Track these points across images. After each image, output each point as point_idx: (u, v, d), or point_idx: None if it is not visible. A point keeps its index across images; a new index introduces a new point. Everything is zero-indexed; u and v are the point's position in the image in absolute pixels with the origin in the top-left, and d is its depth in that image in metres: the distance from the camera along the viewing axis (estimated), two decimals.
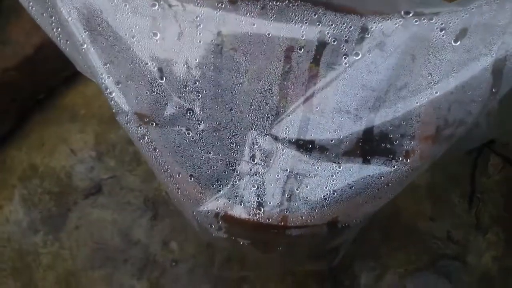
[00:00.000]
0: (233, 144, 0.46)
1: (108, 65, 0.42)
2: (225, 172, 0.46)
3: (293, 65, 0.43)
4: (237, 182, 0.46)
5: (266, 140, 0.45)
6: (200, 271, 0.77)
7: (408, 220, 0.82)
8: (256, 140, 0.45)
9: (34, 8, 0.42)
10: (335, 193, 0.46)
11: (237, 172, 0.46)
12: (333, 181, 0.46)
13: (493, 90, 0.41)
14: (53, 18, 0.42)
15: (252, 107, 0.45)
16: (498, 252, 0.79)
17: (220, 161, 0.46)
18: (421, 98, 0.43)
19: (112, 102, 0.43)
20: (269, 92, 0.44)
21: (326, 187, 0.46)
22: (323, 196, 0.46)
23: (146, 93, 0.44)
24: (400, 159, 0.47)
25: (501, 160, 0.88)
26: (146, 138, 0.45)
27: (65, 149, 0.92)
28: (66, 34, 0.43)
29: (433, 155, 0.48)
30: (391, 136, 0.46)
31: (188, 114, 0.45)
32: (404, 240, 0.80)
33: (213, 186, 0.46)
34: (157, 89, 0.44)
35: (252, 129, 0.45)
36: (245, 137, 0.45)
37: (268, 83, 0.44)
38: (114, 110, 0.43)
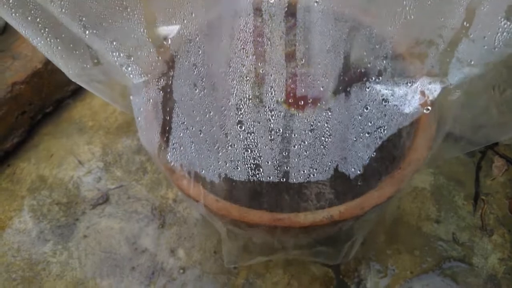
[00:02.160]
0: (223, 107, 0.46)
1: (115, 42, 0.42)
2: (221, 136, 0.46)
3: (265, 18, 0.42)
4: (229, 147, 0.45)
5: (249, 105, 0.45)
6: (207, 278, 0.78)
7: (413, 223, 0.82)
8: (239, 105, 0.44)
9: (17, 14, 0.40)
10: (330, 137, 0.45)
11: (228, 138, 0.45)
12: (327, 127, 0.45)
13: (465, 24, 0.41)
14: (39, 19, 0.41)
15: (231, 68, 0.44)
16: (504, 253, 0.79)
17: (217, 124, 0.45)
18: (395, 21, 0.43)
19: (131, 74, 0.43)
20: (243, 51, 0.43)
21: (322, 137, 0.46)
22: (321, 145, 0.45)
23: (157, 58, 0.44)
24: (373, 78, 0.47)
25: (504, 161, 0.89)
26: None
27: (73, 160, 0.94)
28: (58, 31, 0.41)
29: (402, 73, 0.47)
30: (366, 60, 0.46)
31: (194, 68, 0.44)
32: (410, 242, 0.80)
33: (214, 146, 0.46)
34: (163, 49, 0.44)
35: (233, 93, 0.45)
36: (229, 101, 0.45)
37: (241, 41, 0.43)
38: (133, 82, 0.43)
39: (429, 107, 0.47)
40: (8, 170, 0.93)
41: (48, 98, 0.98)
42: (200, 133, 0.47)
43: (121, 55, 0.43)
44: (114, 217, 0.85)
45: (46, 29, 0.42)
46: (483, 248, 0.79)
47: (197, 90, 0.45)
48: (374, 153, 0.59)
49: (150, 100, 0.47)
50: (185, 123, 0.47)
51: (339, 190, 0.57)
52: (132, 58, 0.43)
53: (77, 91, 1.05)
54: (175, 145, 0.48)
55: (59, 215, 0.86)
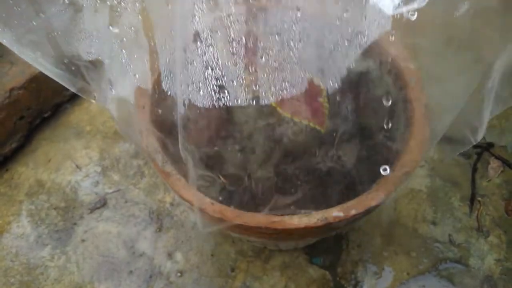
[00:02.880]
0: (178, 15, 0.42)
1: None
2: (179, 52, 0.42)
3: None
4: (189, 66, 0.42)
5: (204, 10, 0.41)
6: (205, 281, 0.78)
7: (409, 225, 0.82)
8: (194, 11, 0.41)
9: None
10: (301, 42, 0.43)
11: (186, 53, 0.42)
12: (296, 30, 0.42)
13: None
14: None
15: None
16: (500, 254, 0.79)
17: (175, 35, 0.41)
18: None
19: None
20: None
21: (291, 41, 0.43)
22: (290, 51, 0.43)
23: None
24: None
25: (500, 163, 0.89)
26: None
27: (70, 165, 0.94)
28: None
29: None
30: None
31: None
32: (406, 244, 0.80)
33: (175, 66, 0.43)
34: None
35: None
36: (184, 7, 0.41)
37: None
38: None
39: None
40: (6, 175, 0.93)
41: (46, 103, 0.99)
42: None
43: None
44: (112, 221, 0.86)
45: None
46: (479, 249, 0.80)
47: None
48: (368, 156, 0.60)
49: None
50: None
51: (333, 193, 0.57)
52: None
53: (75, 96, 1.06)
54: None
55: (57, 219, 0.86)
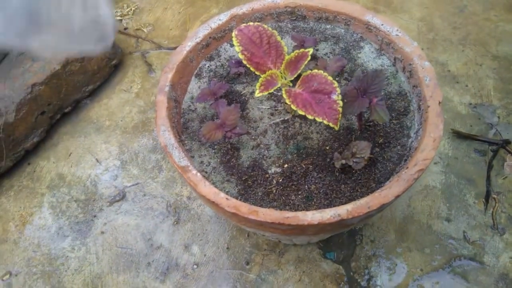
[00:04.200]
0: None
1: None
2: None
3: None
4: None
5: None
6: (220, 273, 0.80)
7: (423, 221, 0.83)
8: None
9: None
10: None
11: None
12: None
13: None
14: None
15: None
16: None
17: None
18: None
19: None
20: None
21: None
22: None
23: None
24: None
25: None
26: None
27: (90, 159, 0.96)
28: None
29: None
30: None
31: None
32: (420, 240, 0.81)
33: None
34: None
35: None
36: None
37: None
38: None
39: None
40: (29, 168, 0.96)
41: (67, 99, 1.01)
42: None
43: None
44: (131, 214, 0.88)
45: None
46: (494, 246, 0.79)
47: None
48: (382, 153, 0.60)
49: None
50: None
51: (346, 189, 0.58)
52: None
53: (95, 92, 1.09)
54: None
55: (77, 211, 0.89)
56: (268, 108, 0.67)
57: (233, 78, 0.71)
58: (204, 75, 0.72)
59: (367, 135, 0.63)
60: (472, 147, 0.92)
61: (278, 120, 0.65)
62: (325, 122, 0.53)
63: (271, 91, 0.55)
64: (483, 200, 0.84)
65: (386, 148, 0.61)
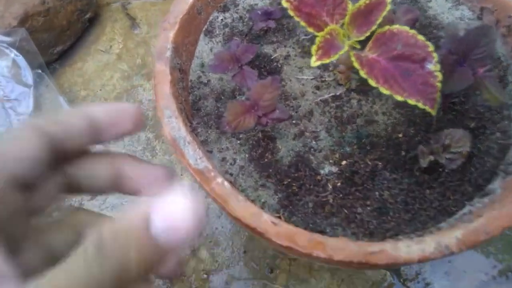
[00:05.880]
0: None
1: None
2: None
3: None
4: None
5: None
6: (237, 284, 0.64)
7: None
8: None
9: None
10: None
11: None
12: None
13: None
14: None
15: None
16: None
17: None
18: None
19: None
20: None
21: None
22: None
23: None
24: None
25: None
26: None
27: None
28: None
29: None
30: None
31: None
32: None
33: None
34: None
35: None
36: None
37: None
38: None
39: None
40: None
41: (30, 63, 0.80)
42: None
43: None
44: (118, 209, 0.71)
45: None
46: None
47: None
48: (487, 149, 0.43)
49: None
50: None
51: (433, 199, 0.41)
52: None
53: (65, 54, 0.87)
54: None
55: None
56: (312, 79, 0.48)
57: (257, 36, 0.52)
58: (217, 32, 0.52)
59: (451, 116, 0.45)
60: None
61: (327, 96, 0.47)
62: (420, 105, 0.35)
63: (335, 58, 0.36)
64: None
65: (481, 136, 0.44)
